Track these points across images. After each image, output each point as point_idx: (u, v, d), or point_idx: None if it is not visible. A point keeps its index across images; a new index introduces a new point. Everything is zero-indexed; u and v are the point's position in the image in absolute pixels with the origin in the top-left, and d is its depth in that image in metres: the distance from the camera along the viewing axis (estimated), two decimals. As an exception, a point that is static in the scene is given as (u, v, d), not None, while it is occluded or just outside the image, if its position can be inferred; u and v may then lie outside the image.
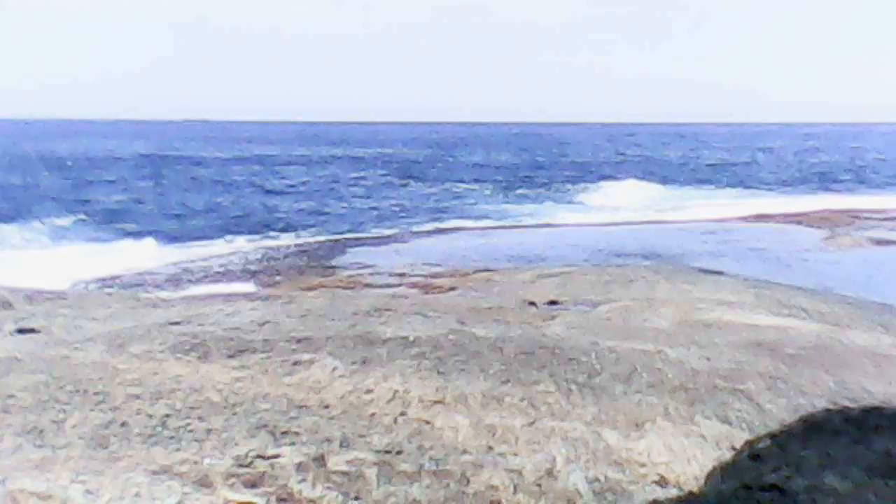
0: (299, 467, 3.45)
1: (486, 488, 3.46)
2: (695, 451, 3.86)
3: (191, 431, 3.68)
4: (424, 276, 9.44)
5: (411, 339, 5.11)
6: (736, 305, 6.85)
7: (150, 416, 3.81)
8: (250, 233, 19.82)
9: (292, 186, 34.20)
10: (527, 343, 5.17)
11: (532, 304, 7.00)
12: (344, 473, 3.44)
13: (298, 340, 5.00)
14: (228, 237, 18.84)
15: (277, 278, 10.16)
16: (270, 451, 3.55)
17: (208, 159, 51.05)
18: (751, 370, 4.86)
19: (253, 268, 11.08)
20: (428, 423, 3.97)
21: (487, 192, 32.62)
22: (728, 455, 3.84)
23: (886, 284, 9.48)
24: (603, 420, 4.09)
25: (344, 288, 8.76)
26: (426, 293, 8.17)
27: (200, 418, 3.82)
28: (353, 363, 4.63)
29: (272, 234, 19.88)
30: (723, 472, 3.71)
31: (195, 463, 3.40)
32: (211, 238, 18.58)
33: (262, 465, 3.44)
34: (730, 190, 33.25)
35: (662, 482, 3.62)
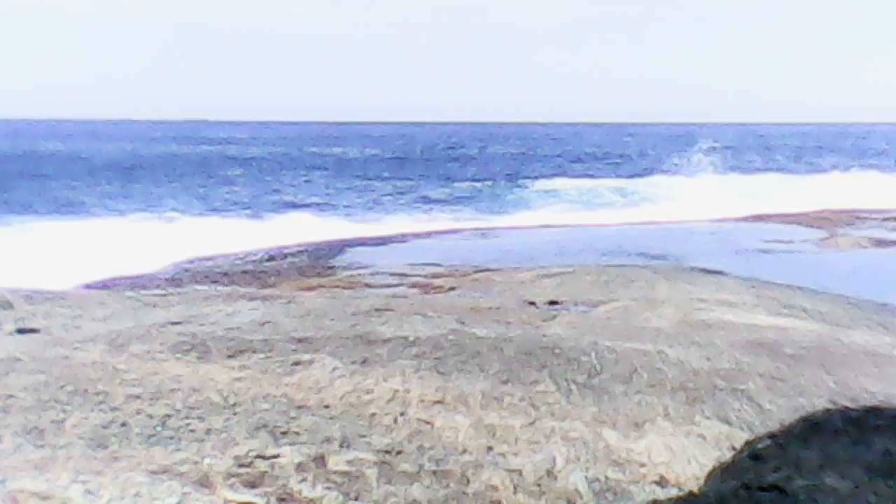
0: (299, 467, 3.45)
1: (486, 488, 3.46)
2: (695, 451, 3.86)
3: (191, 431, 3.69)
4: (424, 276, 9.44)
5: (411, 339, 5.11)
6: (736, 305, 6.85)
7: (150, 416, 3.81)
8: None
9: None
10: (527, 343, 5.16)
11: (532, 304, 7.00)
12: (344, 473, 3.45)
13: (298, 340, 5.00)
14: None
15: (277, 278, 10.15)
16: (270, 451, 3.55)
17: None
18: (751, 370, 4.86)
19: (253, 268, 11.07)
20: (428, 423, 3.97)
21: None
22: (728, 455, 3.84)
23: (886, 284, 9.48)
24: (603, 420, 4.09)
25: (344, 288, 8.75)
26: (426, 293, 8.17)
27: (200, 418, 3.82)
28: (353, 363, 4.63)
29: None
30: (723, 472, 3.71)
31: (195, 463, 3.40)
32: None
33: (262, 465, 3.44)
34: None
35: (662, 482, 3.62)
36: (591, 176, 39.21)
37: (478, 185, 36.18)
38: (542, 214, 23.77)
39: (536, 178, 37.96)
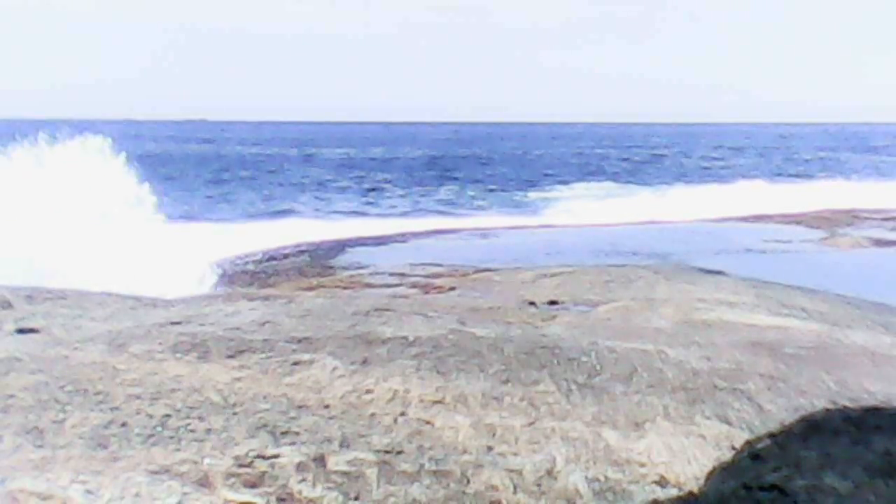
0: (299, 467, 3.45)
1: (486, 488, 3.47)
2: (695, 451, 3.86)
3: (191, 431, 3.69)
4: (424, 276, 9.44)
5: (411, 339, 5.11)
6: (736, 305, 6.85)
7: (150, 416, 3.81)
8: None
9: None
10: (527, 343, 5.16)
11: (532, 304, 7.00)
12: (344, 473, 3.45)
13: (298, 340, 5.00)
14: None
15: (277, 278, 10.16)
16: (270, 451, 3.55)
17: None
18: (751, 370, 4.86)
19: (253, 268, 11.08)
20: (428, 423, 3.97)
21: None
22: (728, 455, 3.84)
23: (886, 284, 9.48)
24: (603, 420, 4.09)
25: (344, 288, 8.76)
26: (426, 293, 8.17)
27: (200, 418, 3.82)
28: (353, 363, 4.63)
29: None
30: (723, 472, 3.71)
31: (195, 463, 3.40)
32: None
33: (262, 465, 3.44)
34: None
35: (662, 482, 3.62)
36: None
37: (489, 188, 36.00)
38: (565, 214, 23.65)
39: (545, 182, 37.83)
